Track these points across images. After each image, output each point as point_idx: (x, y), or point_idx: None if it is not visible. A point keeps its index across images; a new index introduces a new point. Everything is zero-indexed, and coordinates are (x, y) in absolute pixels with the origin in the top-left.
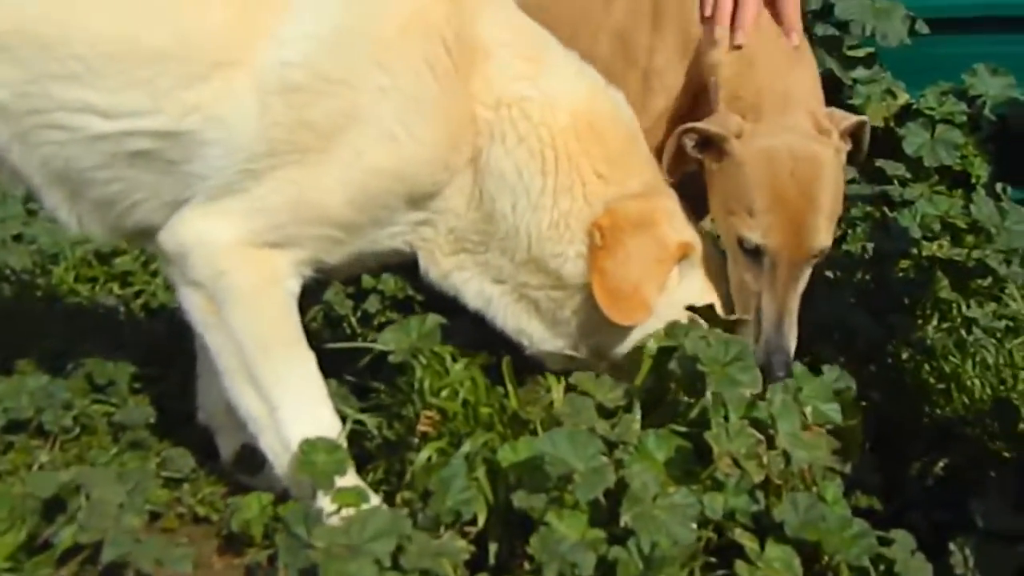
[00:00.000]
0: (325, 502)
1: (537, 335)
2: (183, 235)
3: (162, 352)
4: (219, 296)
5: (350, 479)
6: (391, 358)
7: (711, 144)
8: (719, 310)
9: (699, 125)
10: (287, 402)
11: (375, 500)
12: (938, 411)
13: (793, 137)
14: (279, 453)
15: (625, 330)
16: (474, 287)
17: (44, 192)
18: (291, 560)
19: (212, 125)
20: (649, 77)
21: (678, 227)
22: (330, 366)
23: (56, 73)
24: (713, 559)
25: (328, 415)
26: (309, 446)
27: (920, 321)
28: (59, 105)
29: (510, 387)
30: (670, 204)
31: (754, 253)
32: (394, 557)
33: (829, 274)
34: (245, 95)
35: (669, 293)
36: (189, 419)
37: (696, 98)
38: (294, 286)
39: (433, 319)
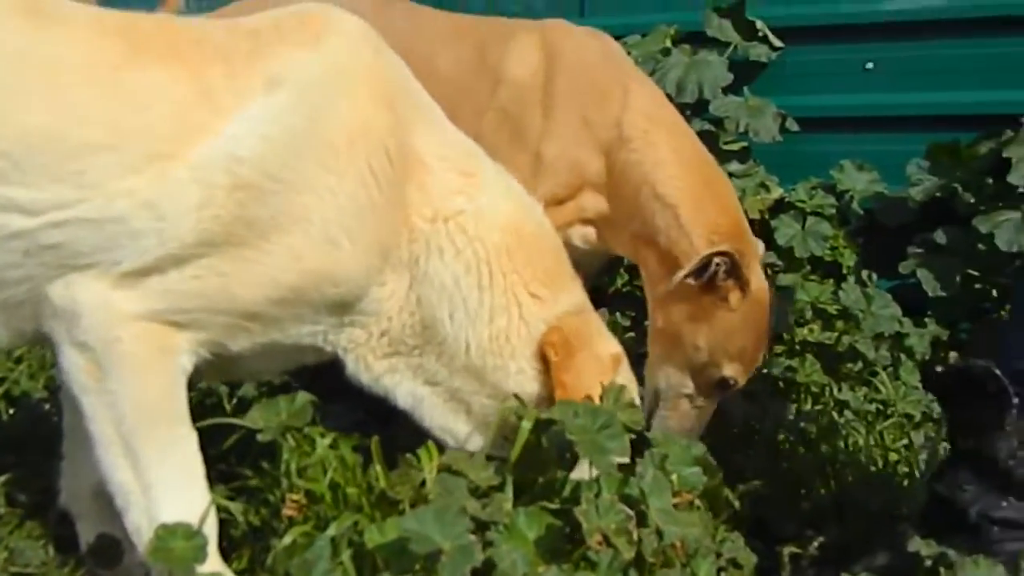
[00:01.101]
0: None
1: (464, 435)
2: (82, 295)
3: (16, 439)
4: (106, 362)
5: (212, 566)
6: (259, 437)
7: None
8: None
9: (729, 249)
10: (162, 481)
11: None
12: (812, 492)
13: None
14: (144, 532)
15: None
16: (406, 388)
17: None
18: None
19: (144, 212)
20: (539, 162)
21: (608, 340)
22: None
23: None
24: None
25: (202, 500)
26: (166, 531)
27: (794, 405)
28: None
29: (379, 467)
30: (596, 318)
31: (720, 386)
32: None
33: None
34: (182, 186)
35: None
36: (41, 509)
37: (619, 198)
38: (187, 363)
39: (303, 397)
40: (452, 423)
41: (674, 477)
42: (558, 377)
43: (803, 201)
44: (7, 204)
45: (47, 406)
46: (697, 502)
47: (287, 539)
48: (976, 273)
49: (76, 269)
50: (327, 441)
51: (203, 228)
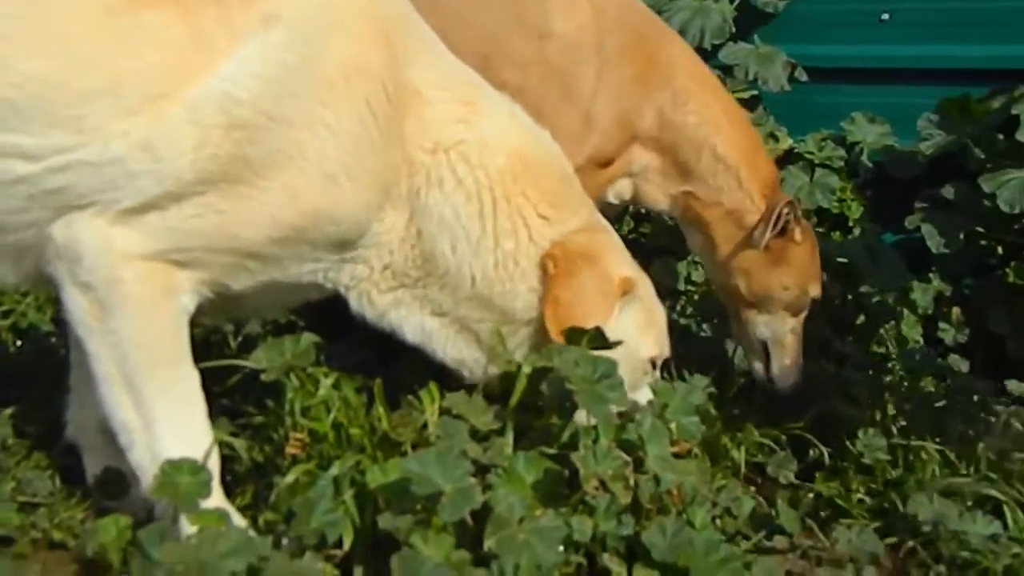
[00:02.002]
0: (187, 525)
1: (476, 364)
2: (84, 236)
3: (23, 371)
4: (109, 302)
5: (215, 501)
6: (263, 376)
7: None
8: (656, 347)
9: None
10: (164, 418)
11: (239, 522)
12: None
13: None
14: (147, 469)
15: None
16: (413, 322)
17: None
18: None
19: (141, 153)
20: (590, 118)
21: (620, 262)
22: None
23: None
24: None
25: (204, 436)
26: (171, 466)
27: None
28: None
29: (381, 409)
30: (612, 239)
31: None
32: None
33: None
34: (179, 125)
35: (610, 327)
36: (48, 441)
37: (677, 158)
38: (189, 303)
39: (308, 338)
40: (464, 353)
41: (673, 426)
42: (552, 291)
43: (812, 153)
44: (10, 150)
45: (54, 339)
46: (696, 451)
47: (290, 477)
48: (981, 230)
49: (77, 209)
50: (330, 381)
51: (200, 167)
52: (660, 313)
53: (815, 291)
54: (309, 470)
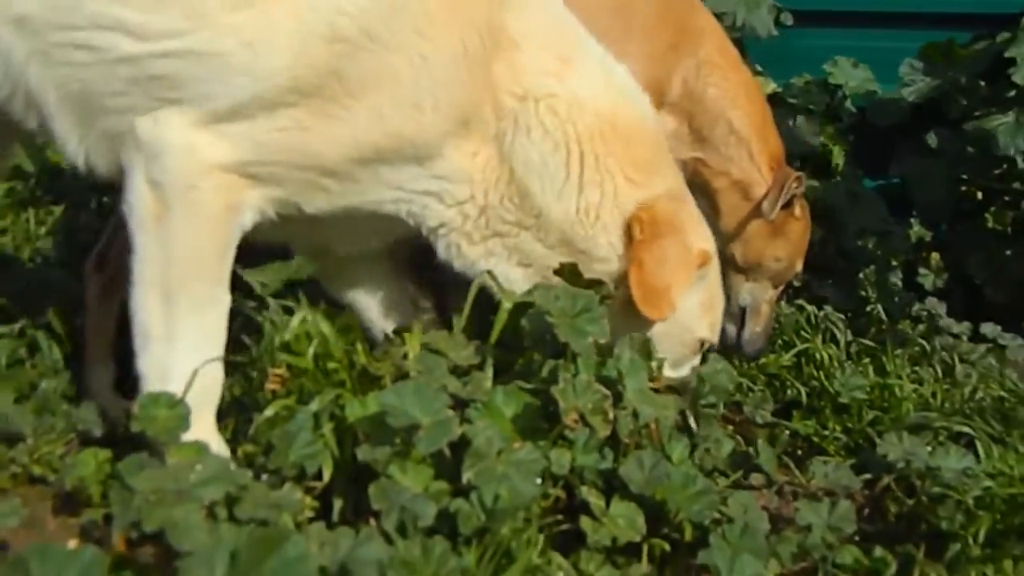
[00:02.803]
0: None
1: None
2: (169, 135)
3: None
4: (176, 205)
5: (206, 432)
6: (260, 291)
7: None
8: (710, 330)
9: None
10: (188, 335)
11: (221, 451)
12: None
13: None
14: (151, 380)
15: (641, 324)
16: (501, 272)
17: (55, 119)
18: (122, 512)
19: (244, 50)
20: None
21: (700, 234)
22: None
23: None
24: (561, 516)
25: (216, 366)
26: (149, 400)
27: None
28: (90, 21)
29: (360, 344)
30: (694, 210)
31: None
32: (229, 507)
33: None
34: (284, 29)
35: (686, 297)
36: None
37: (695, 125)
38: (248, 222)
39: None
40: None
41: (654, 363)
42: (637, 254)
43: (795, 97)
44: (117, 24)
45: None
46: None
47: (269, 411)
48: (963, 176)
49: (170, 103)
50: (309, 315)
51: (296, 75)
52: (721, 299)
53: (800, 265)
54: (288, 405)
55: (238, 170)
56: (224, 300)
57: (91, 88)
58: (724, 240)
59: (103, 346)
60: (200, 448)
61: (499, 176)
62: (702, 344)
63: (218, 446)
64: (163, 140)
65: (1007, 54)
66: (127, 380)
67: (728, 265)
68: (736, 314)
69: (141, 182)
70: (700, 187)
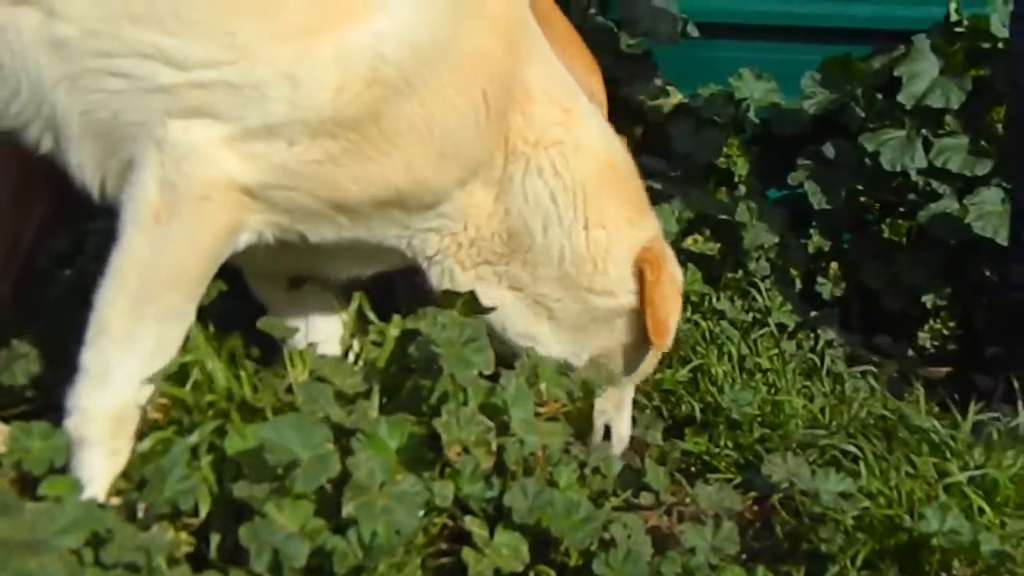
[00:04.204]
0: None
1: (544, 339)
2: (197, 143)
3: None
4: (181, 213)
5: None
6: None
7: None
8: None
9: None
10: (146, 343)
11: (95, 491)
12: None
13: None
14: (93, 376)
15: (642, 350)
16: (491, 295)
17: (75, 145)
18: None
19: (283, 81)
20: None
21: (675, 264)
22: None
23: (137, 13)
24: (444, 547)
25: (150, 383)
26: (21, 430)
27: None
28: (131, 49)
29: (242, 372)
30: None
31: None
32: (96, 551)
33: None
34: (325, 64)
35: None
36: None
37: None
38: (244, 243)
39: None
40: (535, 328)
41: (543, 386)
42: (651, 295)
43: (700, 108)
44: (158, 53)
45: None
46: (561, 415)
47: (145, 444)
48: (860, 187)
49: (201, 116)
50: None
51: (338, 108)
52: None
53: None
54: (165, 437)
55: (256, 192)
56: (189, 319)
57: (121, 117)
58: None
59: None
60: (72, 484)
61: (492, 213)
62: None
63: (105, 473)
64: (189, 148)
65: (896, 72)
66: None
67: None
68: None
69: (152, 180)
70: None
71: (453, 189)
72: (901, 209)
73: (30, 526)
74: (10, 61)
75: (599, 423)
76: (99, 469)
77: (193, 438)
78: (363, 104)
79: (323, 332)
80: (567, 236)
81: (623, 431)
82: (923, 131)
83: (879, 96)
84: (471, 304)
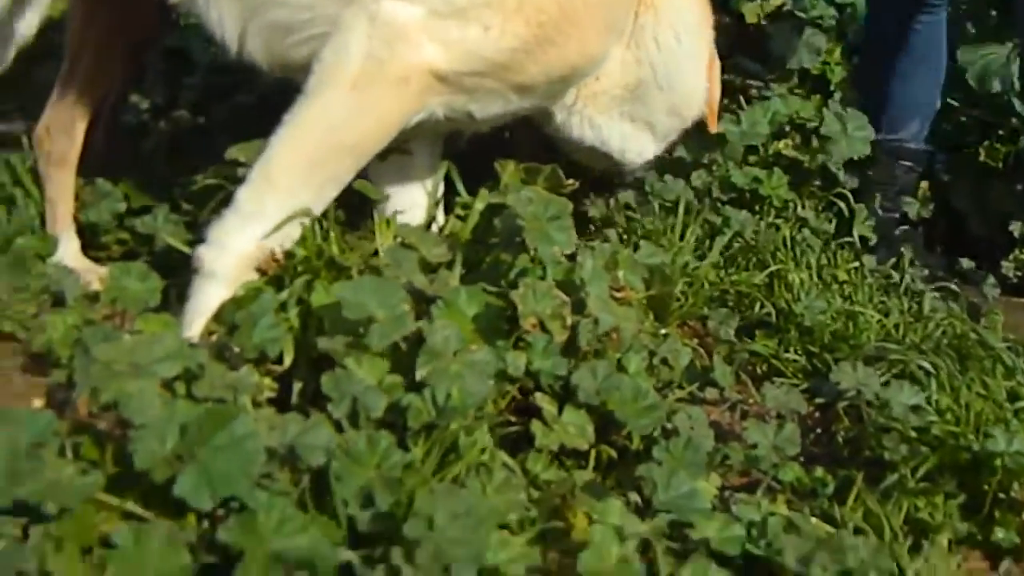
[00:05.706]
0: None
1: (649, 150)
2: (407, 27)
3: None
4: (380, 87)
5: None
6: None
7: None
8: None
9: None
10: (304, 197)
11: (197, 327)
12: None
13: None
14: (243, 212)
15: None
16: (617, 129)
17: (212, 3)
18: (83, 378)
19: None
20: None
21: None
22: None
23: None
24: (512, 419)
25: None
26: (120, 269)
27: (757, 216)
28: None
29: (332, 233)
30: None
31: None
32: (188, 384)
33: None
34: None
35: None
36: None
37: None
38: (416, 120)
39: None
40: (644, 144)
41: (620, 273)
42: (712, 91)
43: (803, 11)
44: None
45: None
46: (640, 302)
47: (239, 291)
48: (955, 103)
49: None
50: None
51: None
52: None
53: None
54: (258, 287)
55: (450, 78)
56: (342, 186)
57: None
58: None
59: (65, 215)
60: (167, 322)
61: (623, 62)
62: None
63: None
64: (402, 28)
65: None
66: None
67: None
68: None
69: (358, 49)
70: None
71: (604, 57)
72: (1000, 132)
73: (130, 352)
74: None
75: None
76: (214, 304)
77: (283, 293)
78: None
79: (407, 202)
80: (695, 66)
81: None
82: None
83: (993, 12)
84: (555, 179)
